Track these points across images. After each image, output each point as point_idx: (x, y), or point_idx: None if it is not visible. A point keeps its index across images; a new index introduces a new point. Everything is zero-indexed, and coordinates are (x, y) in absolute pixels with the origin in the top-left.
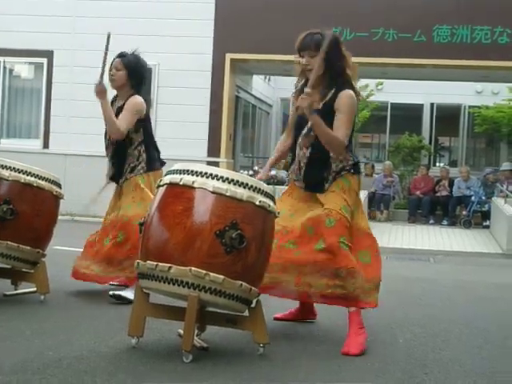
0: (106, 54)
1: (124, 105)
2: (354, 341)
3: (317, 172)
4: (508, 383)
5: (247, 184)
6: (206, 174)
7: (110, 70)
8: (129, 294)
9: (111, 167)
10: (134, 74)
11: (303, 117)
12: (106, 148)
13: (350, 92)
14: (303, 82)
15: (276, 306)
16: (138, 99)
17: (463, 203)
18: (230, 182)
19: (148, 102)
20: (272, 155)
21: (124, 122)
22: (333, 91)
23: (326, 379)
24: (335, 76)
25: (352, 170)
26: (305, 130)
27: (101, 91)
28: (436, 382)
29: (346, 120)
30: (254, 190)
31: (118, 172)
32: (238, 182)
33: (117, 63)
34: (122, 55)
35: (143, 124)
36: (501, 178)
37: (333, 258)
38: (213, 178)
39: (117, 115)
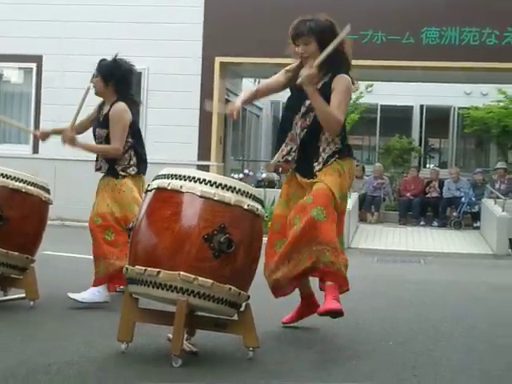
0: (81, 105)
1: (109, 113)
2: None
3: (310, 154)
4: (499, 383)
5: (235, 188)
6: (193, 178)
7: (92, 77)
8: (78, 295)
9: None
10: (110, 79)
11: (299, 97)
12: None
13: (346, 76)
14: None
15: (266, 311)
16: (119, 107)
17: (453, 204)
18: (217, 186)
19: (135, 104)
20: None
21: (118, 140)
22: (329, 75)
23: (316, 382)
24: (332, 61)
25: (337, 156)
26: (301, 111)
27: (69, 139)
28: (425, 383)
29: (342, 99)
30: (242, 194)
31: (108, 166)
32: (226, 186)
33: (95, 70)
34: (100, 61)
35: (130, 128)
36: (493, 178)
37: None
38: (201, 183)
39: (104, 122)
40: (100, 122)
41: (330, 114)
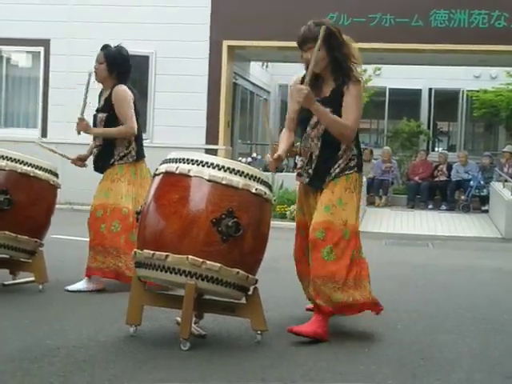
0: (86, 91)
1: (111, 96)
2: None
3: (326, 165)
4: (504, 366)
5: (243, 172)
6: (201, 162)
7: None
8: (75, 286)
9: (96, 157)
10: (114, 66)
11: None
12: (94, 138)
13: (355, 80)
14: (303, 75)
15: (274, 295)
16: (122, 87)
17: (462, 188)
18: (225, 170)
19: (134, 93)
20: (280, 144)
21: (130, 119)
22: (337, 81)
23: (323, 365)
24: (339, 65)
25: (356, 168)
26: (313, 121)
27: (82, 127)
28: (432, 366)
29: (354, 103)
30: (250, 178)
31: (103, 162)
32: (234, 170)
33: (99, 56)
34: (104, 47)
35: None
36: (501, 161)
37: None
38: (209, 167)
39: (105, 106)
40: (100, 107)
41: (340, 124)
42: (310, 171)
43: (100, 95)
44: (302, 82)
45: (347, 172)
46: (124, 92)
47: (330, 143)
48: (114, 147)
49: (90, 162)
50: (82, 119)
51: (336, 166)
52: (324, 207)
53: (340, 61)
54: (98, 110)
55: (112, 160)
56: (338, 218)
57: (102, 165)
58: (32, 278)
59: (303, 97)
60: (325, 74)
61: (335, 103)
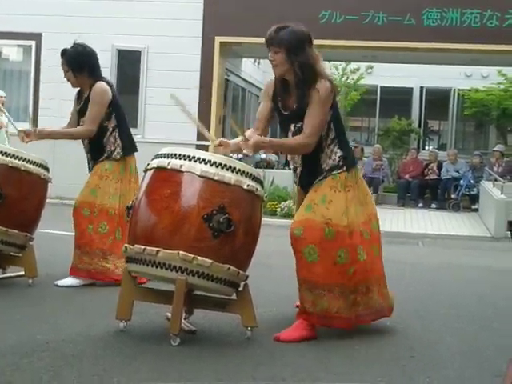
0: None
1: (89, 95)
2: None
3: (311, 175)
4: (492, 363)
5: (235, 168)
6: (193, 157)
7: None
8: (65, 281)
9: (89, 159)
10: (80, 67)
11: (287, 119)
12: (82, 140)
13: (323, 83)
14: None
15: (264, 291)
16: (99, 86)
17: (452, 186)
18: (217, 166)
19: (111, 85)
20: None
21: (92, 121)
22: (304, 89)
23: (313, 363)
24: (303, 74)
25: (345, 168)
26: (291, 133)
27: (34, 136)
28: (422, 363)
29: (314, 113)
30: (241, 174)
31: (96, 162)
32: (225, 165)
33: (62, 65)
34: (62, 53)
35: (113, 109)
36: (491, 160)
37: None
38: (200, 162)
39: (86, 106)
40: (83, 108)
41: (293, 147)
42: (299, 175)
43: (78, 95)
44: (276, 85)
45: (334, 172)
46: (102, 93)
47: (310, 158)
48: (104, 145)
49: (83, 159)
50: (21, 131)
51: (321, 174)
52: (306, 207)
53: (301, 68)
54: (79, 112)
55: (102, 158)
56: (319, 215)
57: (95, 165)
58: (22, 273)
59: (252, 149)
60: (290, 81)
61: (302, 116)
